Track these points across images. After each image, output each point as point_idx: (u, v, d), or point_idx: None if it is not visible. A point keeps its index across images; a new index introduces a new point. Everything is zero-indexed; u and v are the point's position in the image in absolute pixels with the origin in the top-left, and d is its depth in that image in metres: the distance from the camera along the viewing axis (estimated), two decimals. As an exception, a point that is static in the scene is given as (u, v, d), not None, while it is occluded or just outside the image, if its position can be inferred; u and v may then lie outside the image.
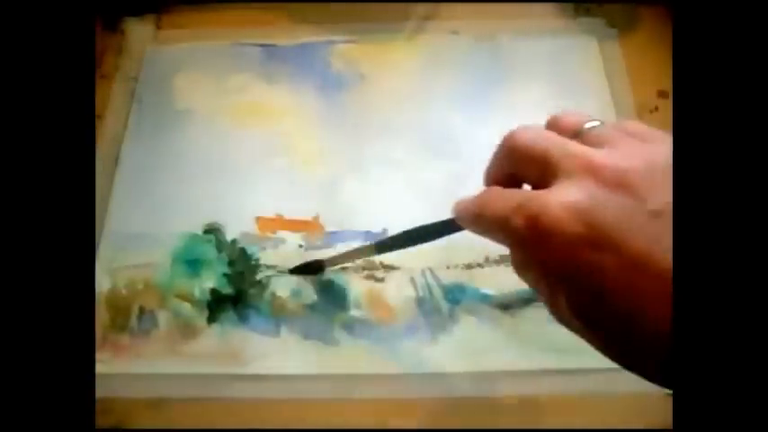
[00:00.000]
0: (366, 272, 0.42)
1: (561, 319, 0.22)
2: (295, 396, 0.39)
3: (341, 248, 0.43)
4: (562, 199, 0.20)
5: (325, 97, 0.50)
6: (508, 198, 0.22)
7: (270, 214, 0.45)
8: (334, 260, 0.41)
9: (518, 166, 0.24)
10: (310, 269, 0.42)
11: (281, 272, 0.43)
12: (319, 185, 0.46)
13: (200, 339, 0.40)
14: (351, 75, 0.52)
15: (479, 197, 0.25)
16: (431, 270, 0.42)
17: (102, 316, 0.41)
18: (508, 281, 0.41)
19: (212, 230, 0.44)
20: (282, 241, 0.44)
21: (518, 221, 0.21)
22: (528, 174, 0.23)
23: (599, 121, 0.24)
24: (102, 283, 0.42)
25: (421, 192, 0.46)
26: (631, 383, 0.38)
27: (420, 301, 0.41)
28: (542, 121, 0.25)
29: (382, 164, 0.47)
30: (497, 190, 0.24)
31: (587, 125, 0.23)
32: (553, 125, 0.25)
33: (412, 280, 0.42)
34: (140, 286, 0.42)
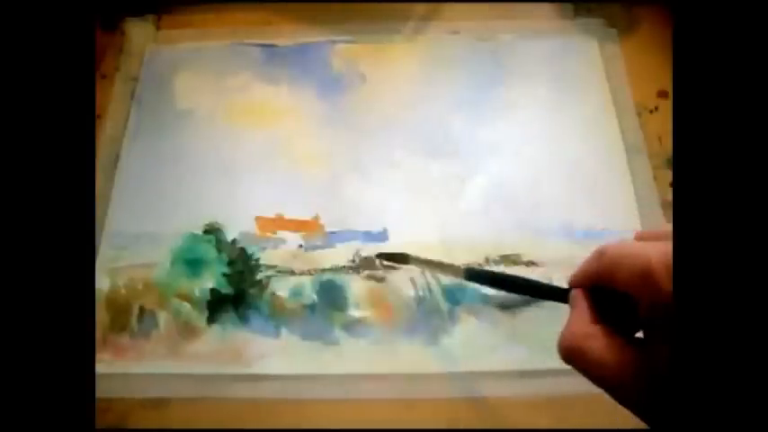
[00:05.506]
0: (366, 272, 0.42)
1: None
2: (295, 396, 0.39)
3: (341, 248, 0.43)
4: None
5: (325, 97, 0.50)
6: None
7: (270, 214, 0.45)
8: (418, 260, 0.40)
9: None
10: (397, 258, 0.41)
11: (282, 272, 0.43)
12: (319, 185, 0.46)
13: (201, 340, 0.40)
14: (351, 75, 0.52)
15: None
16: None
17: (102, 316, 0.41)
18: (508, 281, 0.41)
19: (212, 230, 0.44)
20: (282, 241, 0.44)
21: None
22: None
23: None
24: (102, 283, 0.42)
25: (421, 192, 0.45)
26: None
27: (420, 301, 0.41)
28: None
29: (382, 164, 0.47)
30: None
31: None
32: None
33: (412, 280, 0.42)
34: (140, 286, 0.42)
